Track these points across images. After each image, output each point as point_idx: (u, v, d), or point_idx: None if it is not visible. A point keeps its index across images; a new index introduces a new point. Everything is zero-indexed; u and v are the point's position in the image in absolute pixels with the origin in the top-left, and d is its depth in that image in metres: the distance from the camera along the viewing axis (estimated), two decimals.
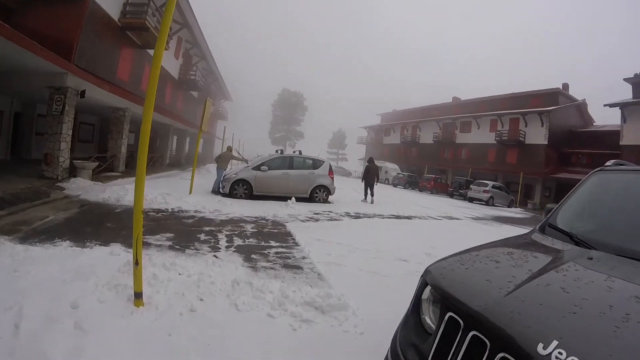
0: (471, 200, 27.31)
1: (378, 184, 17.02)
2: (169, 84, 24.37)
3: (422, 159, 45.69)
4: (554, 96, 35.68)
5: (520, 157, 35.28)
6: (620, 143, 27.95)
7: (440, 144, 44.22)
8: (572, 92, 37.35)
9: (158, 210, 9.05)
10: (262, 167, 12.76)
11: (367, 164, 16.80)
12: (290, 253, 6.27)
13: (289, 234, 7.69)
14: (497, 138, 37.27)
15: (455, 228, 11.56)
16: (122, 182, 12.84)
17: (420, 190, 33.50)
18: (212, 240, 6.67)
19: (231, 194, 12.49)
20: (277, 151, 13.88)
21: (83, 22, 13.21)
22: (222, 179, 12.89)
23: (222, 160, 13.35)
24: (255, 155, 20.55)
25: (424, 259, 6.37)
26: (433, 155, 44.80)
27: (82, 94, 12.09)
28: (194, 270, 4.58)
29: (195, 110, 31.55)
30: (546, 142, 33.74)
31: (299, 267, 5.51)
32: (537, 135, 34.39)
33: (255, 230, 7.88)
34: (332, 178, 13.84)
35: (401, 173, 38.91)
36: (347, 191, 16.67)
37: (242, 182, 12.59)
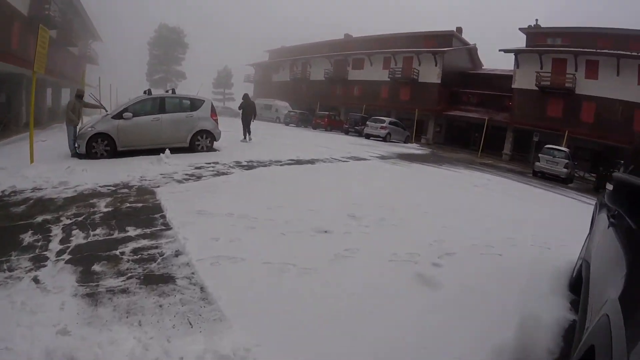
0: (368, 136, 25.32)
1: (255, 121, 14.84)
2: (16, 23, 18.20)
3: (313, 96, 42.54)
4: (448, 38, 34.83)
5: (414, 94, 34.44)
6: (513, 86, 28.53)
7: (332, 80, 41.48)
8: (464, 36, 37.07)
9: None
10: (125, 114, 9.45)
11: (242, 100, 14.91)
12: (156, 248, 3.91)
13: (158, 208, 5.19)
14: (390, 76, 35.80)
15: (367, 172, 9.87)
16: None
17: (314, 128, 31.20)
18: (40, 242, 4.01)
19: (89, 154, 9.21)
20: (145, 93, 10.51)
21: None
22: (77, 135, 9.48)
23: (71, 112, 9.75)
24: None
25: (350, 226, 4.51)
26: (325, 92, 41.99)
27: None
28: None
29: (55, 53, 25.04)
30: (439, 82, 33.25)
31: (169, 279, 3.26)
32: (430, 74, 33.64)
33: (111, 209, 5.22)
34: (217, 121, 11.02)
35: (293, 111, 35.96)
36: (237, 133, 14.05)
37: (101, 136, 9.26)
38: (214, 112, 10.94)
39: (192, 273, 3.31)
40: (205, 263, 3.45)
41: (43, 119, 21.94)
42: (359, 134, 27.31)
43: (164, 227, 4.47)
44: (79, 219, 4.79)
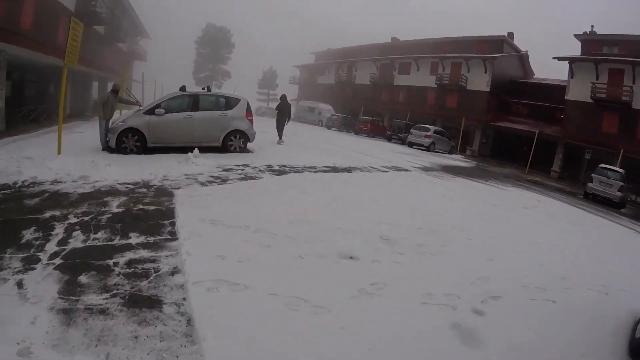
0: (411, 145, 24.09)
1: (299, 123, 14.46)
2: (62, 18, 18.97)
3: (357, 100, 41.81)
4: (499, 44, 33.18)
5: (461, 102, 33.02)
6: (566, 98, 26.66)
7: (377, 85, 40.57)
8: (516, 42, 35.33)
9: (0, 187, 5.76)
10: (157, 110, 9.25)
11: (279, 101, 14.39)
12: (153, 262, 3.50)
13: (170, 213, 4.81)
14: (437, 82, 34.54)
15: (408, 185, 9.09)
16: None
17: (356, 133, 30.46)
18: (39, 242, 3.75)
19: (120, 149, 9.10)
20: (180, 89, 10.25)
21: None
22: (109, 130, 9.40)
23: (104, 107, 9.63)
24: None
25: (382, 252, 3.92)
26: (369, 96, 41.16)
27: None
28: None
29: (102, 49, 26.00)
30: (488, 90, 31.70)
31: (156, 303, 2.83)
32: (479, 81, 32.15)
33: (122, 209, 4.91)
34: (252, 121, 10.63)
35: (335, 114, 35.32)
36: (275, 135, 13.68)
37: (132, 131, 9.13)
38: (249, 111, 10.57)
39: (184, 299, 2.84)
40: (201, 287, 2.97)
41: (88, 112, 22.68)
42: (402, 141, 26.36)
43: (169, 237, 4.05)
44: (86, 218, 4.51)
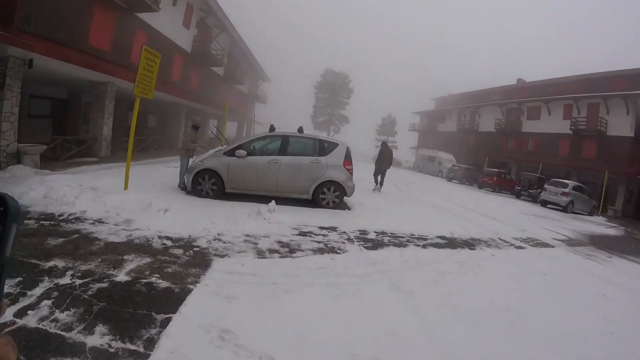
0: (544, 204, 21.19)
1: (417, 173, 12.77)
2: (178, 58, 20.50)
3: (481, 149, 38.63)
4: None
5: (600, 150, 28.21)
6: None
7: (503, 132, 37.04)
8: None
9: (44, 217, 5.60)
10: (238, 152, 8.35)
11: (380, 147, 13.79)
12: None
13: (176, 302, 3.39)
14: (572, 127, 30.06)
15: (553, 272, 6.45)
16: (85, 170, 10.05)
17: (480, 187, 27.78)
18: (6, 299, 2.59)
19: (195, 190, 8.33)
20: (269, 129, 9.20)
21: None
22: (187, 169, 8.70)
23: (184, 144, 9.10)
24: None
25: None
26: (494, 145, 37.76)
27: (30, 63, 9.43)
28: None
29: (220, 89, 27.68)
30: (632, 134, 26.53)
31: None
32: (620, 124, 27.25)
33: (128, 278, 3.76)
34: (350, 171, 9.06)
35: (457, 165, 32.81)
36: (387, 187, 11.84)
37: (209, 173, 8.33)
38: (348, 159, 9.02)
39: None
40: None
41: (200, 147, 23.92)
42: (533, 199, 23.28)
43: (142, 348, 2.61)
44: (78, 282, 3.56)
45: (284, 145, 8.62)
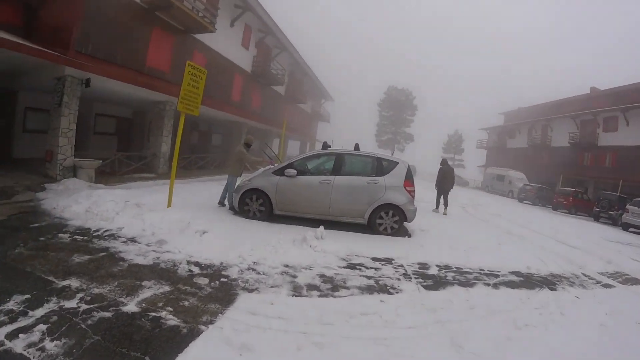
0: (626, 227, 18.90)
1: (486, 194, 11.57)
2: (238, 77, 20.98)
3: (554, 166, 35.60)
4: None
5: None
6: None
7: (578, 146, 33.62)
8: None
9: (79, 231, 5.64)
10: (288, 171, 7.86)
11: (440, 166, 13.44)
12: None
13: (182, 343, 2.93)
14: None
15: None
16: (139, 185, 10.38)
17: (554, 209, 25.62)
18: (3, 317, 3.02)
19: (242, 211, 7.93)
20: (323, 147, 8.79)
21: (84, 5, 10.71)
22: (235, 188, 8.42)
23: (232, 162, 8.86)
24: None
25: None
26: (568, 161, 34.52)
27: (87, 82, 9.99)
28: None
29: (282, 108, 27.94)
30: None
31: None
32: None
33: (137, 309, 3.40)
34: (412, 193, 8.17)
35: (529, 184, 30.48)
36: (452, 208, 10.72)
37: (257, 193, 7.91)
38: (409, 179, 8.16)
39: None
40: None
41: (260, 165, 24.40)
42: (613, 221, 20.86)
43: None
44: (83, 307, 3.34)
45: (338, 164, 7.98)
